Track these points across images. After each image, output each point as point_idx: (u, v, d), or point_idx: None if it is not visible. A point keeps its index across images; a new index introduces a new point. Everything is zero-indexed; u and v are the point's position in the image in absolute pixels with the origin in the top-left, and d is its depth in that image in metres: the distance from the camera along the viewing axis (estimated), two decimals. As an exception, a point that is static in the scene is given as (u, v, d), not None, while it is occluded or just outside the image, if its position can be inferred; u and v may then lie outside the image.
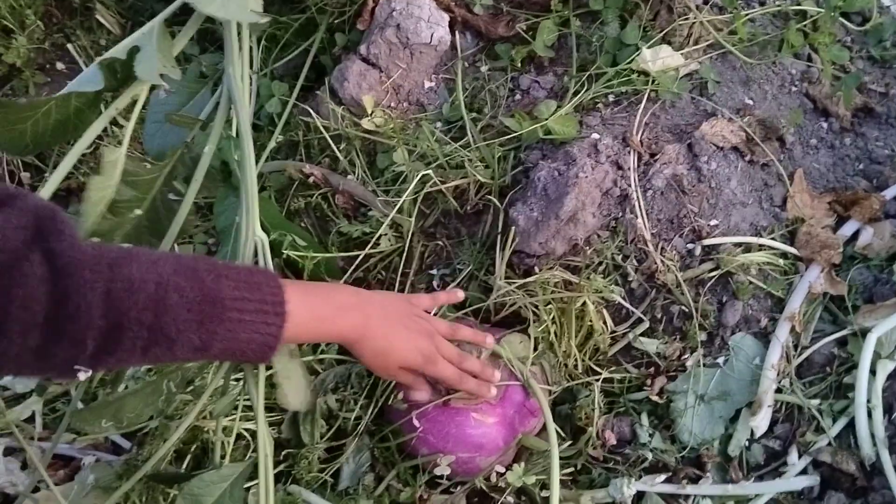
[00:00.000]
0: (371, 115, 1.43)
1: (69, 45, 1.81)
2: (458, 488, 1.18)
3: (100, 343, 0.72)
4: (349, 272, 1.39)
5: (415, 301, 1.14)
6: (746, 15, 1.37)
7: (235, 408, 1.23)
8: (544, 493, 1.16)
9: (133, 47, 0.99)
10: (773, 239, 1.24)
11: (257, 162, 1.47)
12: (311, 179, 1.43)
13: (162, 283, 0.75)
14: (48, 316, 0.68)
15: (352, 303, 1.01)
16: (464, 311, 1.29)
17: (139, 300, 0.73)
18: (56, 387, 1.37)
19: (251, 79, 1.59)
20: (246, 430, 1.23)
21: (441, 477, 1.16)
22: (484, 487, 1.16)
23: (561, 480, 1.18)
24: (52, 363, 0.72)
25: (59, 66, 1.85)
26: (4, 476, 1.26)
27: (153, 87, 1.08)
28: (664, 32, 1.35)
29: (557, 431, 1.20)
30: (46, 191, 0.96)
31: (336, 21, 1.56)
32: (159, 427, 1.23)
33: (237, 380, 1.13)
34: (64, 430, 1.15)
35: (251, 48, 1.10)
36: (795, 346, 1.19)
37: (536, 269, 1.25)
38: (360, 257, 1.36)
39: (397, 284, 1.38)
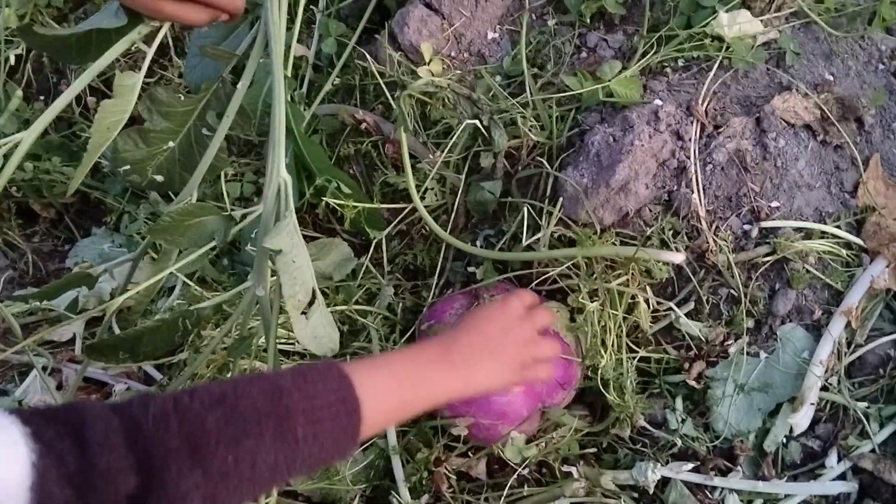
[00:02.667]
0: (429, 63, 1.39)
1: (141, -28, 1.80)
2: (476, 453, 1.15)
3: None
4: (392, 224, 1.36)
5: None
6: (837, -17, 1.26)
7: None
8: (565, 468, 1.13)
9: None
10: (837, 227, 1.15)
11: (311, 104, 1.45)
12: (363, 126, 1.39)
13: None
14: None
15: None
16: (506, 277, 1.26)
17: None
18: (98, 312, 1.39)
19: (316, 17, 1.56)
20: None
21: (458, 440, 1.14)
22: (502, 455, 1.13)
23: (584, 458, 1.15)
24: None
25: (132, -8, 1.84)
26: (39, 394, 1.29)
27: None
28: (745, -4, 1.27)
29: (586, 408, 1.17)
30: (57, 106, 0.95)
31: (404, -37, 1.50)
32: (188, 359, 1.24)
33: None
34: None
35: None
36: (849, 344, 1.12)
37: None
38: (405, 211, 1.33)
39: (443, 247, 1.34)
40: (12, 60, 1.77)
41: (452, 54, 1.42)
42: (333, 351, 1.03)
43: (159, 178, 1.10)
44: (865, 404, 1.09)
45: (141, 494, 0.65)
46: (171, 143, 1.08)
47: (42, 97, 1.81)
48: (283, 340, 1.25)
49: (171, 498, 0.66)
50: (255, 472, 0.71)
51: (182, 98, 1.03)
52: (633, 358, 1.16)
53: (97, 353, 0.97)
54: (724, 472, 1.10)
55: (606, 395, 1.13)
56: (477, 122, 1.30)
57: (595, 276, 1.15)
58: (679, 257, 1.10)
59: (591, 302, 1.15)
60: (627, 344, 1.17)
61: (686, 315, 1.16)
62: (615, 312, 1.14)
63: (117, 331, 1.38)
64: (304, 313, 0.93)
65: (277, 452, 0.72)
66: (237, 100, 1.02)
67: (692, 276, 1.16)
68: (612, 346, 1.16)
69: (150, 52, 0.97)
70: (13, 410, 0.62)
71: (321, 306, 0.95)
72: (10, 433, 0.60)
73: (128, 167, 1.06)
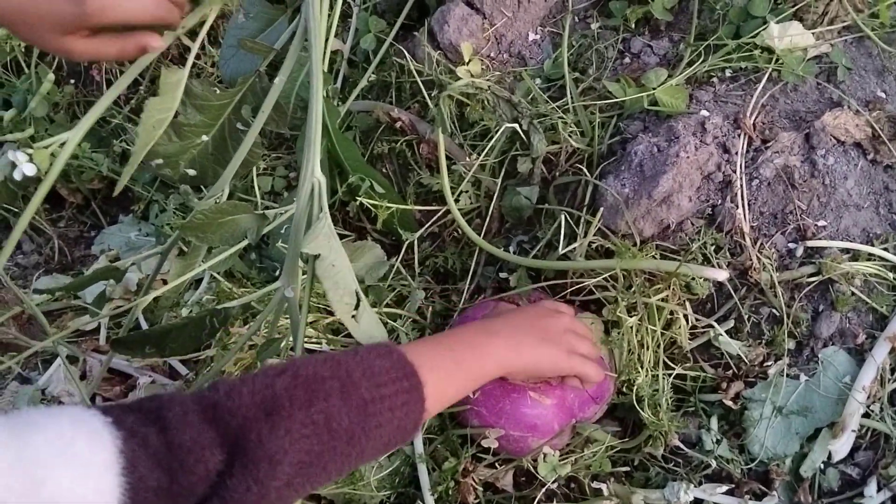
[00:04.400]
0: (468, 63, 1.36)
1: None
2: (504, 465, 1.13)
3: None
4: (425, 227, 1.34)
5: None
6: (894, -3, 1.23)
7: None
8: (595, 485, 1.11)
9: None
10: (885, 249, 1.12)
11: (346, 100, 1.43)
12: (398, 124, 1.37)
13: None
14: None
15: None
16: (540, 286, 1.23)
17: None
18: (122, 301, 1.37)
19: (352, 11, 1.54)
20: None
21: (487, 451, 1.11)
22: (531, 468, 1.11)
23: (615, 476, 1.12)
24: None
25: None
26: (63, 384, 1.27)
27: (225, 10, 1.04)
28: (797, 7, 1.23)
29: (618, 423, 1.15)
30: (100, 106, 0.93)
31: (445, -41, 1.48)
32: (215, 356, 1.22)
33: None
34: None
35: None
36: (892, 370, 1.09)
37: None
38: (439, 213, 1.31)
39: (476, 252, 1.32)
40: (44, 43, 1.75)
41: (492, 55, 1.39)
42: None
43: (192, 171, 1.08)
44: (908, 434, 1.06)
45: (228, 467, 0.66)
46: (204, 137, 1.07)
47: (73, 80, 1.80)
48: (311, 340, 1.23)
49: (258, 462, 0.67)
50: (333, 435, 0.72)
51: (217, 91, 1.02)
52: (669, 375, 1.13)
53: (123, 348, 0.96)
54: (759, 497, 1.07)
55: (641, 412, 1.11)
56: (516, 126, 1.27)
57: (633, 289, 1.12)
58: (723, 275, 1.07)
59: (629, 316, 1.12)
60: (664, 360, 1.14)
61: (725, 333, 1.13)
62: (653, 328, 1.11)
63: (142, 321, 1.37)
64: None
65: (350, 415, 0.73)
66: (273, 95, 1.00)
67: (733, 294, 1.13)
68: (649, 362, 1.13)
69: (195, 47, 0.95)
70: (89, 406, 0.64)
71: (367, 308, 0.94)
72: (92, 423, 0.62)
73: (160, 161, 1.04)
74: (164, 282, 1.20)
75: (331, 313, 1.21)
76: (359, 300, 0.94)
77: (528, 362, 0.97)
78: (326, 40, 1.38)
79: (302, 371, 0.73)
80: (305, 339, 1.21)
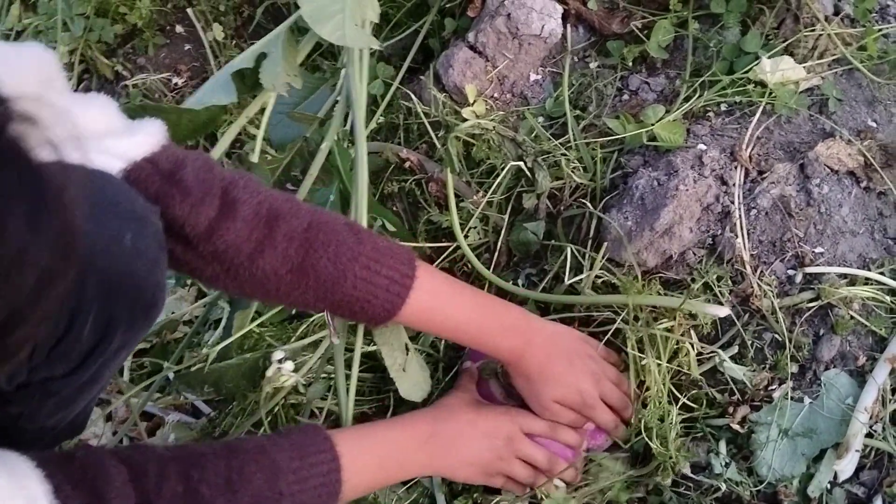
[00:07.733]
0: (472, 104, 1.41)
1: (189, 10, 1.85)
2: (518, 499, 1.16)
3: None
4: (435, 263, 1.38)
5: (591, 342, 1.16)
6: (880, 30, 1.28)
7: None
8: (608, 511, 1.14)
9: (261, 54, 1.06)
10: (881, 273, 1.16)
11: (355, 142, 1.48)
12: (406, 164, 1.42)
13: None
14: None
15: (516, 324, 1.06)
16: (550, 319, 1.27)
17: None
18: (143, 343, 1.42)
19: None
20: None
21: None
22: (543, 497, 1.14)
23: (629, 501, 1.15)
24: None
25: (179, 28, 1.90)
26: (89, 427, 1.31)
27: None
28: (787, 43, 1.28)
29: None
30: None
31: (448, 5, 1.54)
32: (237, 396, 1.26)
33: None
34: (155, 390, 1.22)
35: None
36: (893, 391, 1.12)
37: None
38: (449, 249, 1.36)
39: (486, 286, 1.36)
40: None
41: (495, 95, 1.45)
42: (427, 392, 1.14)
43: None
44: (911, 452, 1.09)
45: None
46: None
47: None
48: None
49: None
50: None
51: (268, 157, 1.09)
52: (676, 404, 1.17)
53: (186, 383, 1.03)
54: (768, 518, 1.10)
55: (649, 442, 1.14)
56: (521, 163, 1.32)
57: (639, 320, 1.16)
58: (724, 311, 1.11)
59: (637, 347, 1.16)
60: (671, 390, 1.17)
61: (730, 359, 1.17)
62: (659, 362, 1.15)
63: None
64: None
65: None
66: (319, 160, 1.09)
67: (736, 321, 1.17)
68: (657, 392, 1.16)
69: (261, 134, 1.06)
70: (40, 462, 0.72)
71: (415, 356, 1.07)
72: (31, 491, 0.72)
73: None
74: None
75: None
76: (407, 349, 1.01)
77: (444, 475, 1.09)
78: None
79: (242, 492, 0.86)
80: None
